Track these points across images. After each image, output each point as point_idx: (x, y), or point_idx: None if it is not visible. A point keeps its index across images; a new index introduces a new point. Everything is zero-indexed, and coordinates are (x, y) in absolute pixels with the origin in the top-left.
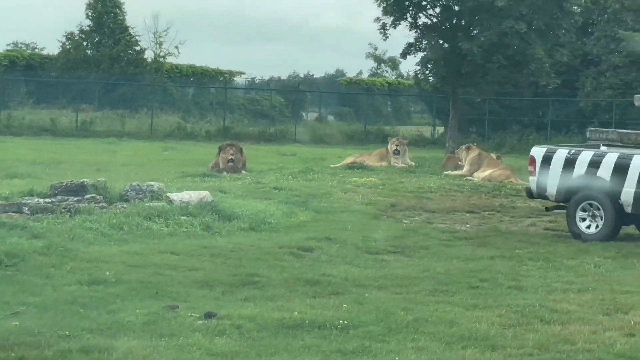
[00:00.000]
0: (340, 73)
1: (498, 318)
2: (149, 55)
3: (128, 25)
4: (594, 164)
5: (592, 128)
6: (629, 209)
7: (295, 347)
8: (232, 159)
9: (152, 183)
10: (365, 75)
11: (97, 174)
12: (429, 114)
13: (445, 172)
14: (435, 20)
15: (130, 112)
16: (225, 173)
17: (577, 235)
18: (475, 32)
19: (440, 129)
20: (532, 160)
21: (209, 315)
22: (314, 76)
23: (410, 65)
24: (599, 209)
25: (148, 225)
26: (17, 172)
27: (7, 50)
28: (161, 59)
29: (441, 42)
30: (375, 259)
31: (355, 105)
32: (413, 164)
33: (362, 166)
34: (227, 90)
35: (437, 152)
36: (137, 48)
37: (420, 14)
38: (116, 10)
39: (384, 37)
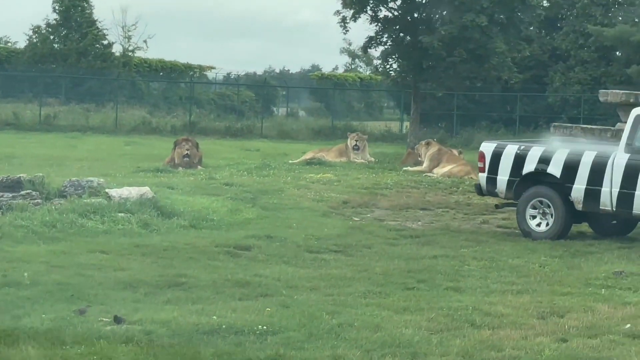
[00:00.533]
0: (315, 68)
1: (427, 322)
2: (117, 49)
3: (95, 19)
4: (544, 161)
5: (555, 124)
6: (579, 207)
7: (205, 356)
8: (187, 154)
9: (92, 179)
10: (340, 71)
11: (49, 168)
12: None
13: (405, 168)
14: (396, 13)
15: (97, 107)
16: (180, 168)
17: (527, 233)
18: (436, 25)
19: (407, 125)
20: (482, 156)
21: (118, 320)
22: (290, 71)
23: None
24: (549, 207)
25: (82, 223)
26: None
27: None
28: (130, 53)
29: (402, 35)
30: (315, 259)
31: (326, 100)
32: (373, 159)
33: (321, 162)
34: (196, 85)
35: (403, 147)
36: (105, 42)
37: (381, 7)
38: (83, 4)
39: (344, 31)
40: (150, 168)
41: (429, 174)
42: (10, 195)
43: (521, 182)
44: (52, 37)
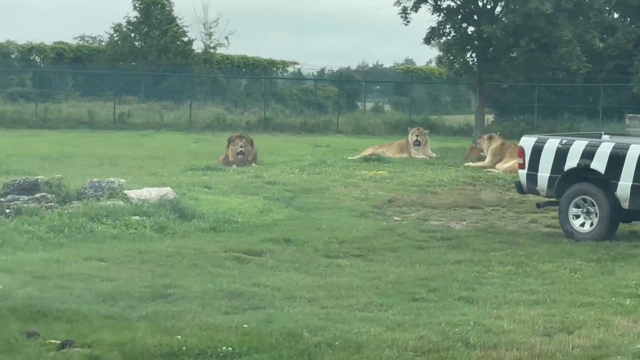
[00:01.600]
0: (409, 62)
1: (416, 341)
2: (197, 46)
3: (176, 16)
4: (588, 155)
5: (631, 115)
6: (625, 205)
7: None
8: (241, 151)
9: (113, 179)
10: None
11: (97, 168)
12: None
13: (466, 164)
14: (458, 2)
15: (175, 104)
16: (234, 166)
17: (570, 234)
18: (499, 14)
19: (490, 118)
20: (522, 152)
21: (63, 345)
22: (383, 66)
23: None
24: (593, 205)
25: (92, 227)
26: (10, 168)
27: (55, 43)
28: (211, 50)
29: (464, 25)
30: (329, 264)
31: (411, 94)
32: (434, 155)
33: (380, 158)
34: (279, 81)
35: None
36: (185, 39)
37: None
38: (163, 1)
39: (405, 22)
40: (201, 166)
41: (490, 170)
42: (26, 198)
43: (563, 179)
44: (132, 34)
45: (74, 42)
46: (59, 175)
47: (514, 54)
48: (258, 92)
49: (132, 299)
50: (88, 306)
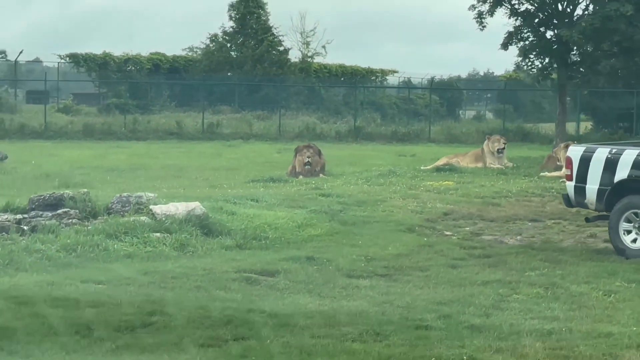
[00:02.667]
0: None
1: None
2: (295, 55)
3: (271, 25)
4: (639, 166)
5: None
6: None
7: None
8: (308, 161)
9: (141, 194)
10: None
11: (162, 180)
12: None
13: (542, 174)
14: (535, 5)
15: (268, 114)
16: (300, 177)
17: (621, 250)
18: (577, 17)
19: (588, 125)
20: (569, 162)
21: None
22: (494, 74)
23: None
24: None
25: (107, 245)
26: (71, 181)
27: (151, 54)
28: (309, 59)
29: (542, 30)
30: (347, 285)
31: (515, 102)
32: (510, 164)
33: (452, 168)
34: (376, 90)
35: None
36: (281, 48)
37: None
38: (259, 11)
39: (480, 27)
40: (266, 177)
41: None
42: (50, 214)
43: (613, 191)
44: (228, 44)
45: (170, 53)
46: (86, 190)
47: (594, 59)
48: (356, 101)
49: (110, 329)
50: (55, 338)
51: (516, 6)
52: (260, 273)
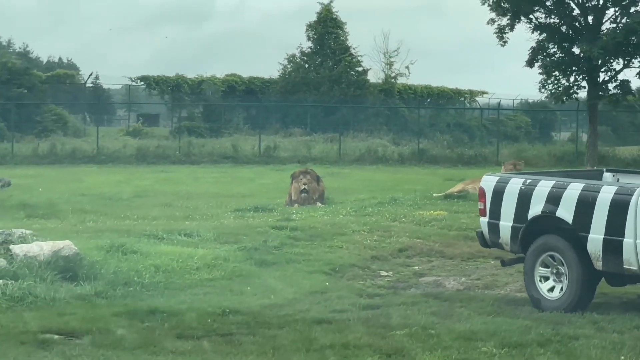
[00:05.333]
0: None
1: None
2: (375, 76)
3: (350, 45)
4: (553, 200)
5: None
6: (598, 265)
7: None
8: (305, 188)
9: (15, 230)
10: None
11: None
12: None
13: None
14: (556, 19)
15: (342, 136)
16: (296, 205)
17: (537, 301)
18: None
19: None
20: (482, 195)
21: None
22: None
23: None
24: (563, 264)
25: None
26: (43, 212)
27: (227, 75)
28: (392, 80)
29: (565, 45)
30: (160, 351)
31: (613, 123)
32: None
33: (463, 195)
34: (465, 111)
35: None
36: (360, 69)
37: (539, 12)
38: (337, 31)
39: (501, 42)
40: (253, 206)
41: None
42: None
43: (527, 229)
44: (306, 65)
45: (246, 75)
46: None
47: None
48: (442, 122)
49: None
50: None
51: (540, 19)
52: (67, 333)
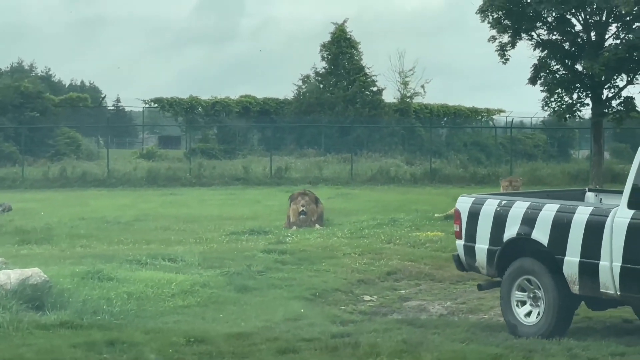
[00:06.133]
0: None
1: None
2: (394, 95)
3: (364, 65)
4: (528, 222)
5: None
6: (575, 289)
7: None
8: (303, 210)
9: None
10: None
11: (137, 234)
12: None
13: None
14: (558, 36)
15: (356, 157)
16: (295, 227)
17: (513, 327)
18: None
19: None
20: (457, 216)
21: None
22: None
23: None
24: (539, 288)
25: None
26: (38, 237)
27: (241, 97)
28: (407, 99)
29: (568, 62)
30: None
31: (632, 140)
32: None
33: None
34: (482, 130)
35: None
36: (374, 89)
37: (540, 29)
38: (352, 51)
39: (502, 60)
40: (250, 229)
41: None
42: None
43: (503, 252)
44: (321, 85)
45: (261, 96)
46: None
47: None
48: (459, 141)
49: None
50: None
51: (541, 36)
52: None
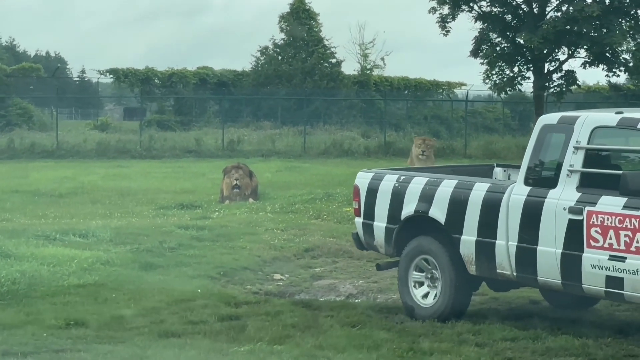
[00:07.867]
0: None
1: None
2: (354, 67)
3: (323, 37)
4: (426, 198)
5: None
6: (472, 269)
7: None
8: (236, 184)
9: None
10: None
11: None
12: None
13: None
14: (499, 8)
15: (312, 129)
16: (227, 202)
17: (410, 308)
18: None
19: None
20: (357, 193)
21: None
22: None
23: None
24: (437, 268)
25: None
26: (5, 206)
27: (199, 68)
28: (367, 72)
29: (509, 35)
30: None
31: None
32: None
33: None
34: (445, 103)
35: None
36: (333, 60)
37: (479, 0)
38: (311, 22)
39: (444, 32)
40: (180, 204)
41: None
42: None
43: (401, 231)
44: (279, 57)
45: (218, 67)
46: None
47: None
48: (420, 114)
49: None
50: None
51: (480, 9)
52: None
